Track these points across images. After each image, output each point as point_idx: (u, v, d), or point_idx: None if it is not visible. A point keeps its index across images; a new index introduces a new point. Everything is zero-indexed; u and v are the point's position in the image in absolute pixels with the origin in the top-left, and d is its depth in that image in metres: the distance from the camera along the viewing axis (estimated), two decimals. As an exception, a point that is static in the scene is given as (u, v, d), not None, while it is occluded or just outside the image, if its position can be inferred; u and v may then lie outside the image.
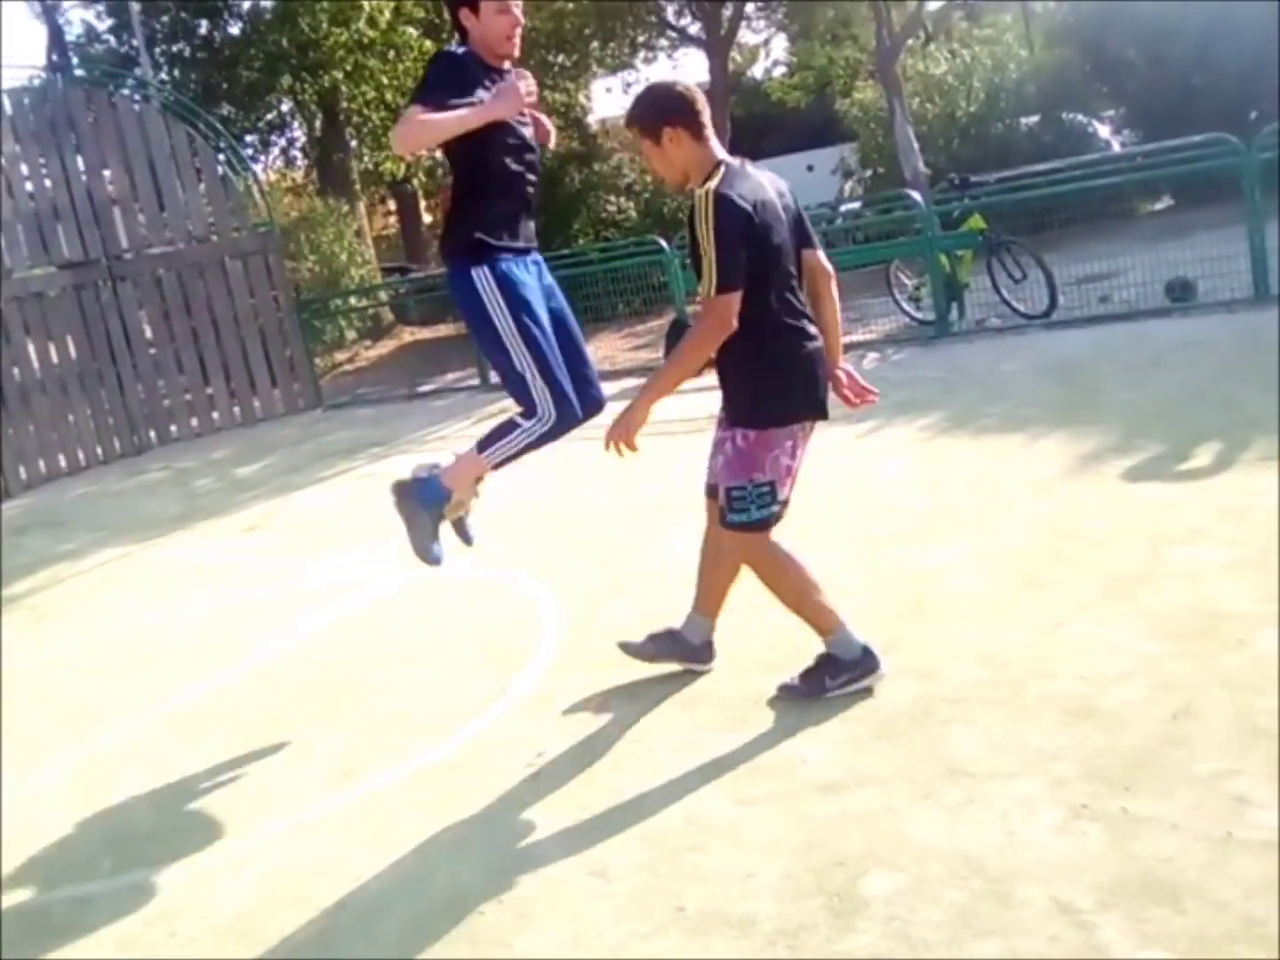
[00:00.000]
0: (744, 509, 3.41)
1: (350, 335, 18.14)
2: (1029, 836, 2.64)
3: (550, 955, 2.57)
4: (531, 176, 3.89)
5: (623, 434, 3.37)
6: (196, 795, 3.69)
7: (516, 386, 3.76)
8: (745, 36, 29.04)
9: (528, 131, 3.84)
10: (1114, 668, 3.36)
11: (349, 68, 19.31)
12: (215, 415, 13.08)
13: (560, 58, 23.38)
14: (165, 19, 19.64)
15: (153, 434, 12.67)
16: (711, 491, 3.61)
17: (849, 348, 10.18)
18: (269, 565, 6.46)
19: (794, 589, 3.54)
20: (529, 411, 3.75)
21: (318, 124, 20.88)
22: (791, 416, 3.41)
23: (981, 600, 4.05)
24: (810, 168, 29.55)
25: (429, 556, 3.96)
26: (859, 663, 3.49)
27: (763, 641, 4.00)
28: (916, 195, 10.45)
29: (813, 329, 3.44)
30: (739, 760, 3.22)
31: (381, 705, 4.14)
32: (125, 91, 13.81)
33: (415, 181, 24.33)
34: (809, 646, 3.57)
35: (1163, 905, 2.34)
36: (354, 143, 21.82)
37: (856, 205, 16.05)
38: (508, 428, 3.79)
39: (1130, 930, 2.28)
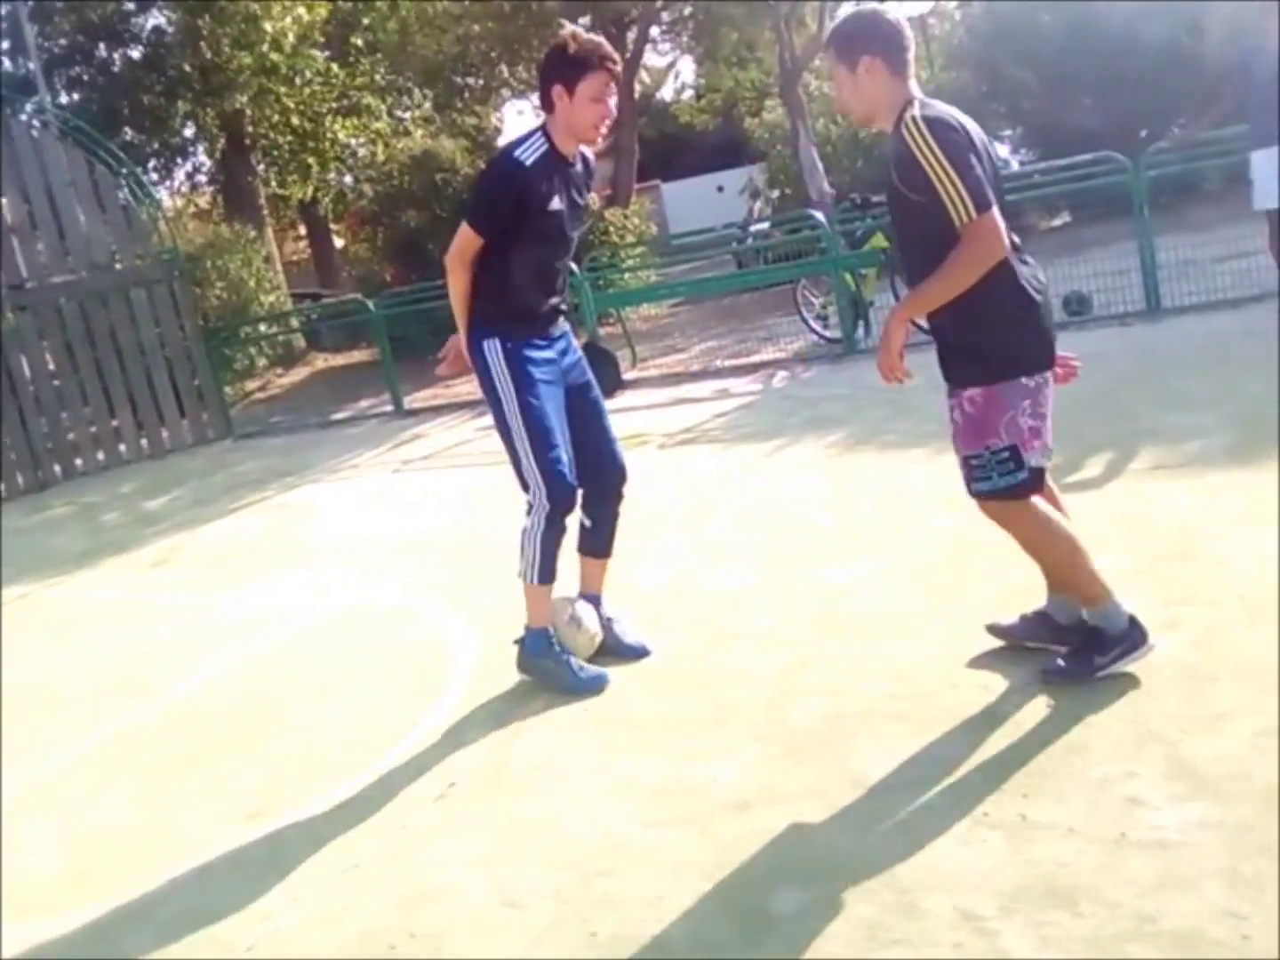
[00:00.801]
0: (985, 476, 3.23)
1: (261, 363, 17.92)
2: (934, 847, 2.70)
3: (464, 987, 2.57)
4: (566, 264, 3.98)
5: (888, 362, 3.22)
6: (105, 839, 3.61)
7: (515, 465, 3.87)
8: (651, 59, 29.29)
9: (571, 225, 3.85)
10: (1016, 677, 3.44)
11: (253, 91, 19.15)
12: (122, 448, 12.84)
13: (468, 80, 23.42)
14: (63, 42, 19.33)
15: (57, 468, 12.40)
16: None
17: (759, 366, 10.33)
18: (178, 601, 6.35)
19: (1062, 556, 3.32)
20: (526, 491, 3.85)
21: (221, 149, 20.65)
22: (1022, 368, 3.16)
23: (889, 616, 4.12)
24: (720, 188, 29.89)
25: (586, 687, 3.91)
26: (1126, 635, 3.27)
27: (674, 660, 4.04)
28: (820, 215, 10.62)
29: (1041, 276, 3.23)
30: (650, 782, 3.24)
31: (294, 740, 4.10)
32: (22, 117, 13.54)
33: (325, 205, 24.18)
34: (723, 664, 3.60)
35: (1061, 909, 2.40)
36: (261, 167, 21.63)
37: (765, 225, 16.27)
38: (521, 539, 3.90)
39: (1031, 935, 2.34)
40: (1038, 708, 3.23)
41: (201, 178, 23.49)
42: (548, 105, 3.72)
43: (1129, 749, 2.94)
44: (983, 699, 3.34)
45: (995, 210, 3.03)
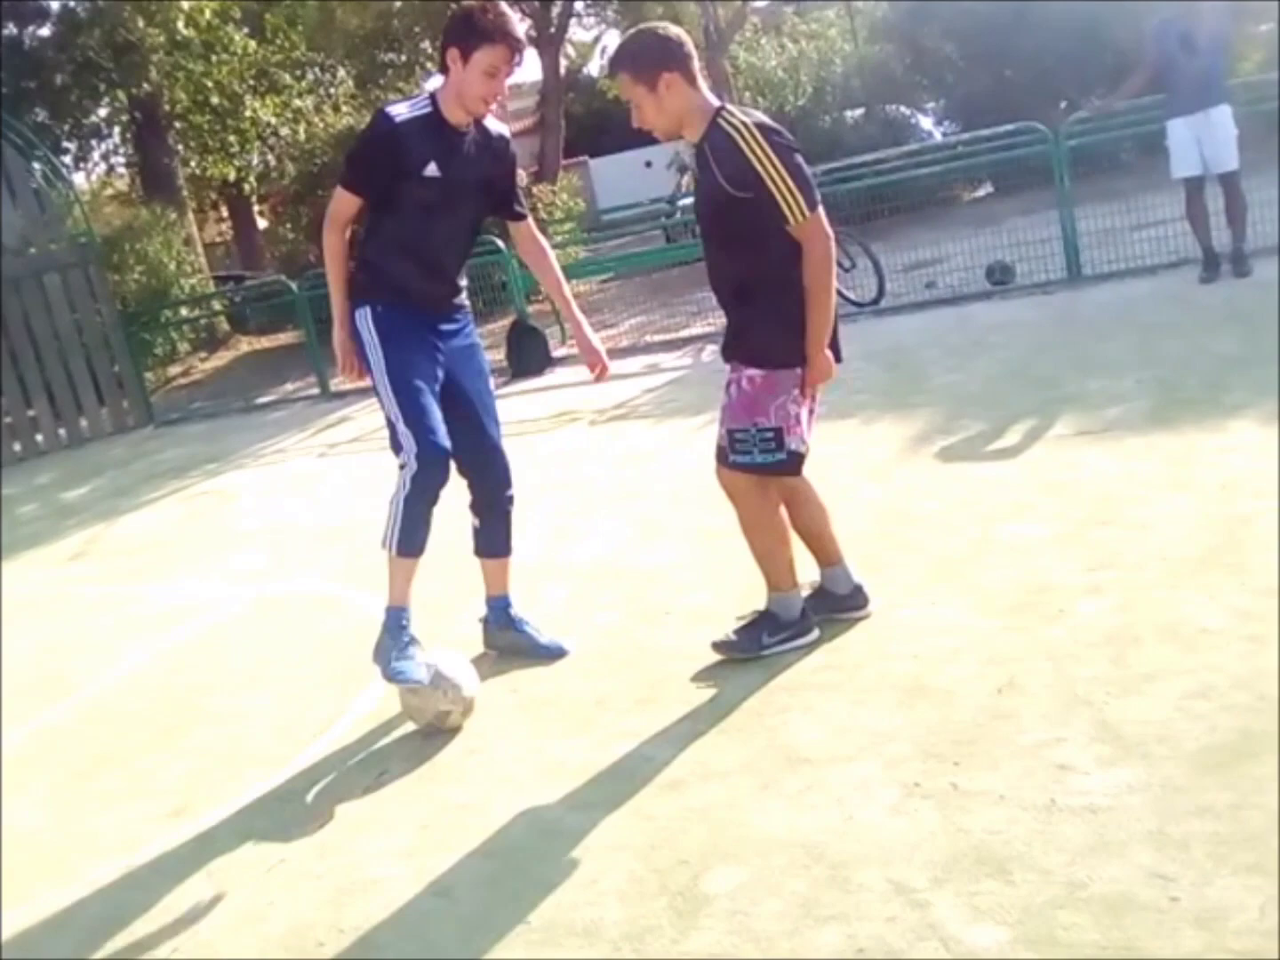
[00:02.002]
0: (746, 451, 3.41)
1: (183, 348, 17.57)
2: (866, 819, 2.69)
3: (394, 980, 2.52)
4: (459, 245, 3.80)
5: (828, 376, 3.42)
6: (23, 843, 3.50)
7: (390, 430, 3.65)
8: (577, 33, 29.06)
9: (458, 198, 3.65)
10: (945, 646, 3.45)
11: (168, 69, 18.69)
12: (39, 438, 12.54)
13: (390, 56, 23.07)
14: (-32, 20, 18.73)
15: (-29, 460, 12.09)
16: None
17: (688, 341, 10.31)
18: (97, 594, 6.20)
19: (769, 544, 3.55)
20: (397, 453, 3.62)
21: (137, 129, 20.16)
22: (801, 359, 3.36)
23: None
24: (648, 163, 29.71)
25: (391, 674, 3.57)
26: (796, 623, 3.57)
27: (605, 639, 4.00)
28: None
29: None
30: (581, 764, 3.20)
31: (218, 734, 4.01)
32: (-74, 99, 13.12)
33: (248, 186, 23.71)
34: (652, 643, 3.58)
35: (993, 877, 2.39)
36: (179, 147, 21.15)
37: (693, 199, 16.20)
38: (388, 505, 3.64)
39: (963, 905, 2.33)
40: (968, 677, 3.24)
41: (118, 159, 22.95)
42: (442, 67, 3.61)
43: (1057, 714, 2.95)
44: (913, 669, 3.35)
45: (821, 211, 3.26)
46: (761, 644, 3.54)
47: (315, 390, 12.20)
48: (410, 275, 3.67)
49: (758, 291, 3.33)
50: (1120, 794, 2.58)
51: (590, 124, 32.94)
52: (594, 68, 34.22)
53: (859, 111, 17.72)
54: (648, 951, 2.41)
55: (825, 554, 3.75)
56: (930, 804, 2.69)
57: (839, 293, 9.44)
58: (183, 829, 3.36)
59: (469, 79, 3.53)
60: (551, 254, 4.03)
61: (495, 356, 11.42)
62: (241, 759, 3.75)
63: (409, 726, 3.67)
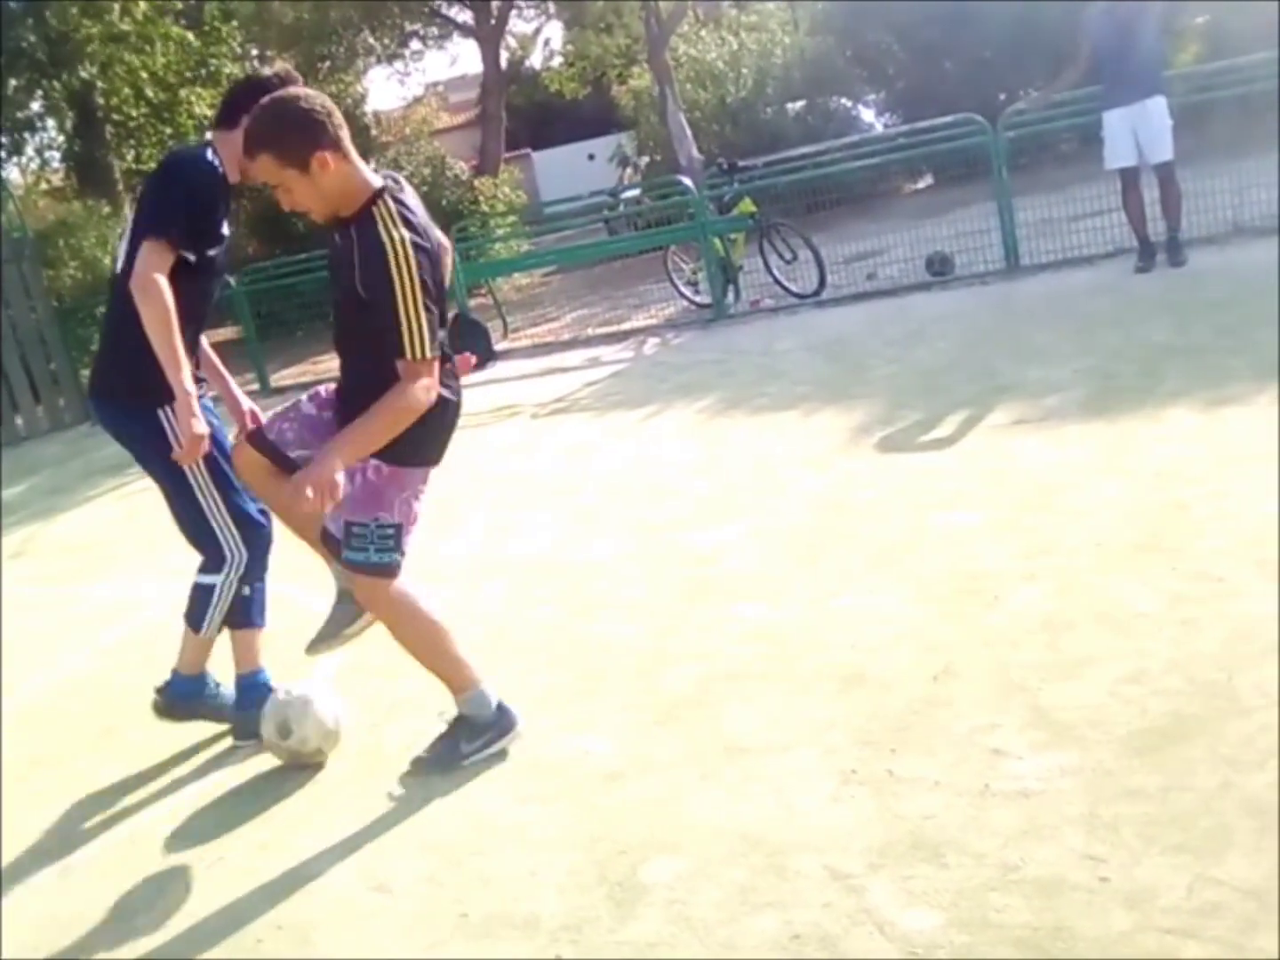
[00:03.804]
0: (362, 548, 3.04)
1: (121, 343, 17.24)
2: (804, 807, 2.70)
3: (332, 977, 2.50)
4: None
5: (322, 490, 2.84)
6: (-47, 846, 3.44)
7: (199, 532, 3.52)
8: (517, 25, 28.91)
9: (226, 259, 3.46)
10: (882, 634, 3.48)
11: (103, 61, 18.37)
12: (-27, 437, 12.31)
13: (329, 49, 22.82)
14: (-103, 12, 18.30)
15: (-96, 460, 11.84)
16: (267, 447, 3.24)
17: (629, 334, 10.31)
18: (33, 595, 6.09)
19: (424, 641, 3.18)
20: (215, 558, 3.52)
21: (72, 123, 19.80)
22: (429, 460, 3.16)
23: (758, 578, 4.13)
24: (591, 156, 29.73)
25: (249, 709, 3.59)
26: (495, 723, 3.23)
27: (544, 632, 4.00)
28: (688, 181, 10.61)
29: (457, 385, 3.18)
30: (520, 758, 3.20)
31: (157, 733, 3.94)
32: None
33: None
34: (592, 634, 3.57)
35: (928, 862, 2.42)
36: (114, 141, 20.81)
37: (636, 192, 16.23)
38: (206, 594, 3.58)
39: (898, 890, 2.36)
40: (904, 665, 3.27)
41: (53, 154, 22.52)
42: (232, 124, 3.30)
43: (992, 700, 2.98)
44: (851, 658, 3.37)
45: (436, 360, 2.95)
46: (462, 754, 3.19)
47: (255, 386, 12.06)
48: (191, 349, 3.37)
49: (376, 388, 2.93)
50: (1053, 778, 2.61)
51: (534, 117, 32.85)
52: (536, 60, 34.08)
53: (800, 104, 17.79)
54: (585, 944, 2.41)
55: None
56: (867, 791, 2.71)
57: (779, 283, 9.43)
58: (120, 829, 3.32)
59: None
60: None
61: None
62: (180, 758, 3.70)
63: (349, 722, 3.64)
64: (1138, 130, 7.66)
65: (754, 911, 2.39)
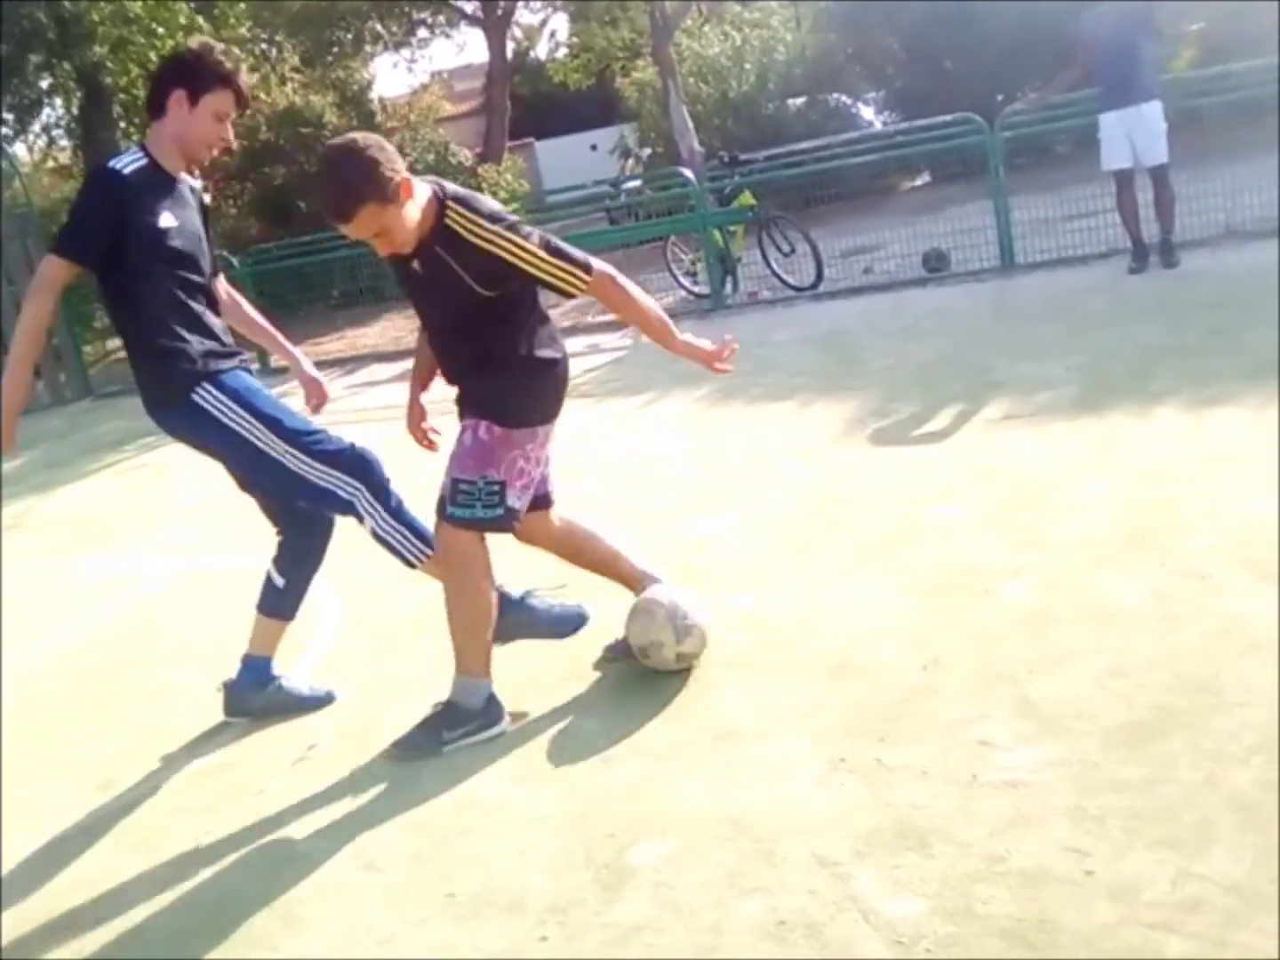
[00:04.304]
0: (469, 504, 3.14)
1: (124, 320, 17.24)
2: (792, 794, 2.72)
3: (319, 955, 2.51)
4: (212, 284, 3.51)
5: (712, 355, 3.49)
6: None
7: (306, 492, 3.39)
8: (524, 17, 28.88)
9: (195, 246, 3.38)
10: (872, 625, 3.50)
11: (113, 43, 18.31)
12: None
13: (337, 35, 22.77)
14: (-96, -11, 18.21)
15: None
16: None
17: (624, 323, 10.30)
18: (29, 567, 6.09)
19: (469, 613, 3.22)
20: (340, 506, 3.39)
21: (78, 102, 19.75)
22: (538, 419, 3.25)
23: (751, 568, 4.15)
24: (594, 147, 29.67)
25: (316, 701, 3.67)
26: (480, 714, 3.24)
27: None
28: (689, 173, 10.62)
29: (559, 338, 3.35)
30: (512, 739, 3.22)
31: (148, 707, 3.97)
32: None
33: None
34: (591, 613, 3.60)
35: (914, 851, 2.44)
36: (121, 121, 20.75)
37: (637, 183, 16.21)
38: (380, 539, 3.41)
39: (884, 878, 2.37)
40: (894, 655, 3.29)
41: (59, 131, 22.45)
42: (159, 111, 3.30)
43: (980, 692, 3.01)
44: (842, 647, 3.39)
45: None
46: (442, 740, 3.20)
47: (256, 365, 12.00)
48: (205, 327, 3.41)
49: (509, 347, 3.17)
50: (1039, 769, 2.63)
51: (538, 107, 32.78)
52: (541, 50, 34.00)
53: (801, 100, 17.78)
54: (571, 925, 2.43)
55: (629, 578, 3.58)
56: (855, 779, 2.73)
57: (776, 275, 9.46)
58: (110, 803, 3.34)
59: (196, 123, 3.28)
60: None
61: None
62: (171, 733, 3.71)
63: (340, 702, 3.67)
64: (1133, 133, 7.68)
65: (740, 896, 2.40)
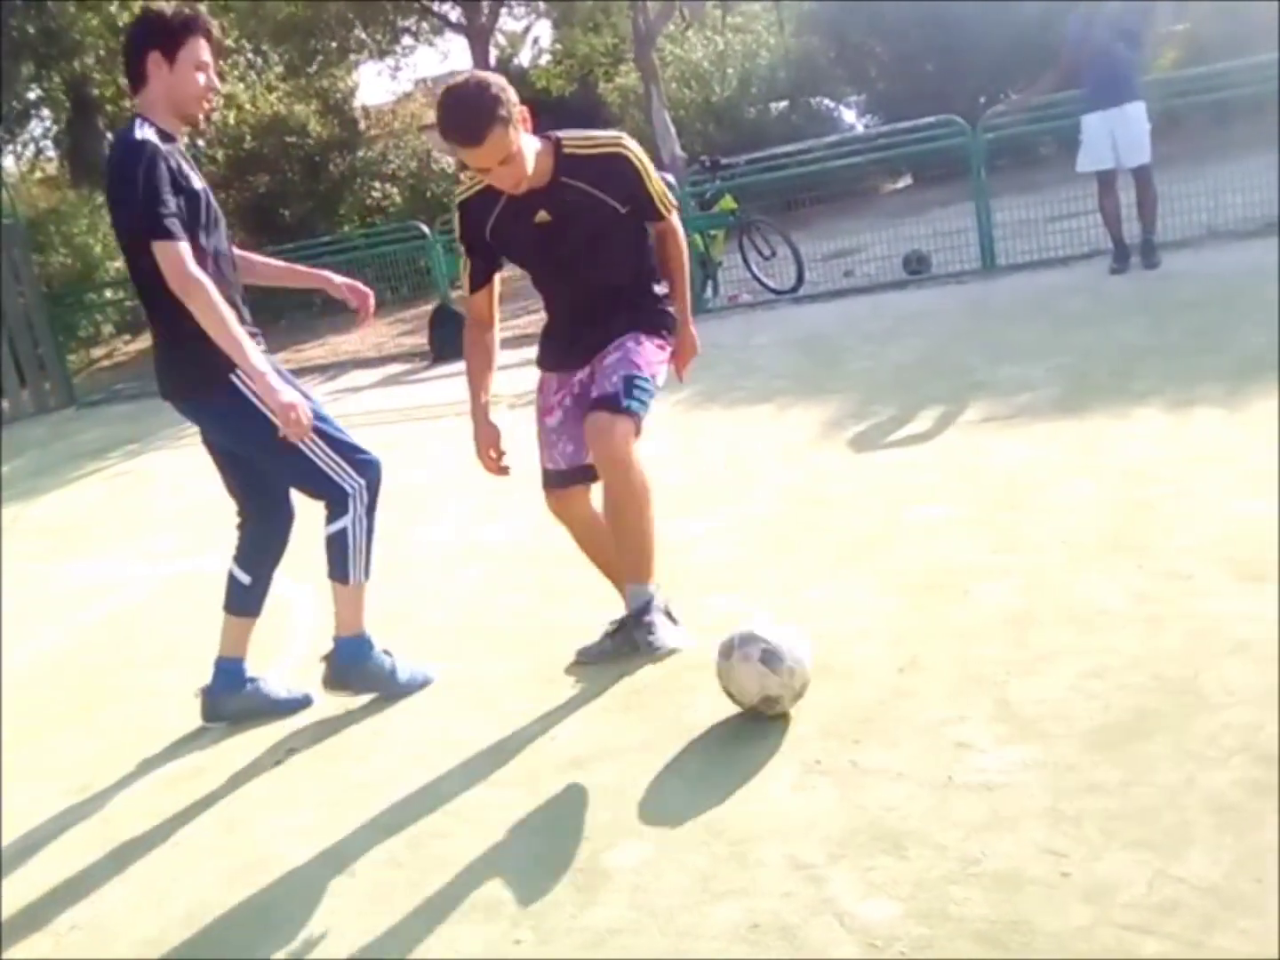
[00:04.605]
0: (643, 399, 3.14)
1: (108, 330, 17.33)
2: (767, 796, 2.70)
3: (292, 959, 2.49)
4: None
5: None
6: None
7: (314, 480, 3.42)
8: (508, 23, 28.84)
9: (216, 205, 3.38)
10: (851, 625, 3.49)
11: (100, 53, 18.26)
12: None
13: (322, 44, 22.71)
14: (-104, 2, 18.12)
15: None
16: (562, 479, 3.44)
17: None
18: (13, 574, 6.05)
19: (648, 517, 3.15)
20: (338, 501, 3.43)
21: (68, 113, 19.71)
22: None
23: (730, 570, 4.14)
24: (577, 152, 29.58)
25: (415, 685, 3.62)
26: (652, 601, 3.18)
27: (513, 619, 4.01)
28: (671, 178, 10.60)
29: None
30: (487, 743, 3.19)
31: (129, 712, 3.94)
32: None
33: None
34: (560, 623, 3.56)
35: (888, 853, 2.42)
36: (109, 132, 20.69)
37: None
38: (341, 539, 3.46)
39: (858, 880, 2.36)
40: (872, 656, 3.27)
41: (48, 142, 22.39)
42: (141, 79, 3.26)
43: (957, 693, 2.99)
44: (819, 648, 3.35)
45: None
46: (651, 646, 3.14)
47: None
48: (236, 300, 3.36)
49: (640, 284, 3.35)
50: (1016, 771, 2.62)
51: (520, 111, 32.72)
52: (525, 57, 33.96)
53: (784, 103, 17.83)
54: (546, 928, 2.41)
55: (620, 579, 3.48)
56: (830, 781, 2.71)
57: (757, 279, 9.46)
58: (87, 806, 3.31)
59: (179, 79, 3.25)
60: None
61: (420, 340, 11.36)
62: (150, 737, 3.68)
63: (316, 705, 3.64)
64: (1116, 134, 7.71)
65: (715, 899, 2.39)
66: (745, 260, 9.98)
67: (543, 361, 3.52)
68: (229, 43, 21.05)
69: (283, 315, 13.56)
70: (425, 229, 11.32)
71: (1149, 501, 4.00)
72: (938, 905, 2.24)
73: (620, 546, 3.21)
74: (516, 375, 8.95)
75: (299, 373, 11.33)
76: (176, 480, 7.61)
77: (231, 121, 19.48)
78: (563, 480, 3.45)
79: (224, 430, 3.50)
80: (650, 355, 3.26)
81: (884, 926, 2.21)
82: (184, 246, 3.14)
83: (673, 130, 16.24)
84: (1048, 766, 2.61)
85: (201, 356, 3.21)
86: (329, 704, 3.64)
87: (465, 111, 2.98)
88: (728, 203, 10.07)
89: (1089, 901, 2.18)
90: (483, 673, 3.64)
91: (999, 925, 2.16)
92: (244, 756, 3.42)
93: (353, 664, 3.54)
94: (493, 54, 25.05)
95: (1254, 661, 2.87)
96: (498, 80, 3.05)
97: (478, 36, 21.39)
